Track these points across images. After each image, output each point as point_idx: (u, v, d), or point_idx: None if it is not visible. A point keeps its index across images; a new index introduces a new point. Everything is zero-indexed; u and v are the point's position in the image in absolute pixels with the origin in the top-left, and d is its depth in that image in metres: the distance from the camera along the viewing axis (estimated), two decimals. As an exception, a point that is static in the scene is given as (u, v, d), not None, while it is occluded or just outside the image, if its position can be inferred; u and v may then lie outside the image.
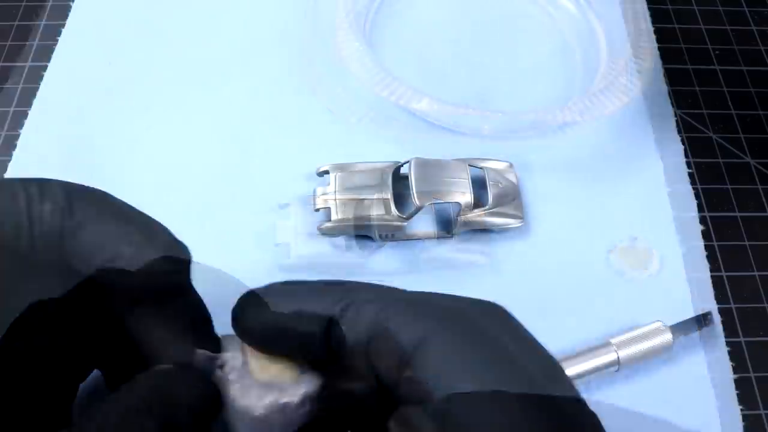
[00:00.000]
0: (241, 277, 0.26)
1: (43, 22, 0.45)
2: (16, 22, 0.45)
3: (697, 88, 0.44)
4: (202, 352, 0.20)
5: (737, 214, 0.39)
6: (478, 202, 0.35)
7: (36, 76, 0.42)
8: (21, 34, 0.45)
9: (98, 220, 0.20)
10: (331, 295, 0.19)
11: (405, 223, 0.34)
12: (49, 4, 0.46)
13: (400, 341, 0.17)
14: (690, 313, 0.33)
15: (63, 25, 0.44)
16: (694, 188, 0.39)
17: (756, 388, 0.33)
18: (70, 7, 0.45)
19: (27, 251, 0.18)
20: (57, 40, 0.43)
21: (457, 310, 0.18)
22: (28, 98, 0.41)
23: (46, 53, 0.43)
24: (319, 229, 0.34)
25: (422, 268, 0.35)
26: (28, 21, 0.45)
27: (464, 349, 0.16)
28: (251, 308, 0.20)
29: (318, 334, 0.18)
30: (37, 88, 0.41)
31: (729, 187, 0.40)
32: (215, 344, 0.21)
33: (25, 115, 0.40)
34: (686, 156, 0.40)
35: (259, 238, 0.36)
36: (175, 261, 0.20)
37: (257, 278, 0.22)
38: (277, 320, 0.19)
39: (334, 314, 0.18)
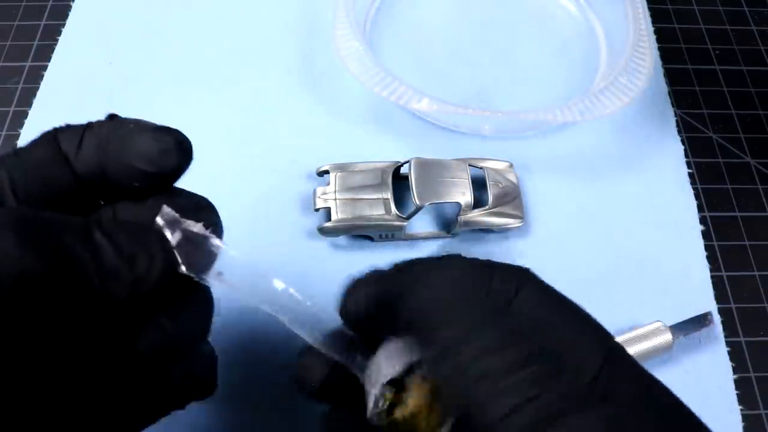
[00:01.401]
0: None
1: (43, 23, 0.45)
2: (16, 22, 0.45)
3: (697, 88, 0.44)
4: (167, 210, 0.19)
5: (737, 214, 0.39)
6: (478, 202, 0.35)
7: (36, 76, 0.42)
8: (21, 34, 0.45)
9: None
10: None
11: (405, 223, 0.34)
12: (49, 4, 0.46)
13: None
14: (690, 313, 0.33)
15: (63, 25, 0.44)
16: (694, 188, 0.39)
17: (756, 388, 0.33)
18: (70, 7, 0.45)
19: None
20: (57, 40, 0.43)
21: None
22: (28, 98, 0.41)
23: (46, 53, 0.43)
24: (319, 229, 0.34)
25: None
26: (28, 21, 0.45)
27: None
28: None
29: None
30: (37, 88, 0.41)
31: (729, 187, 0.40)
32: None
33: (25, 115, 0.40)
34: (686, 156, 0.40)
35: (256, 237, 0.36)
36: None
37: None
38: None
39: None
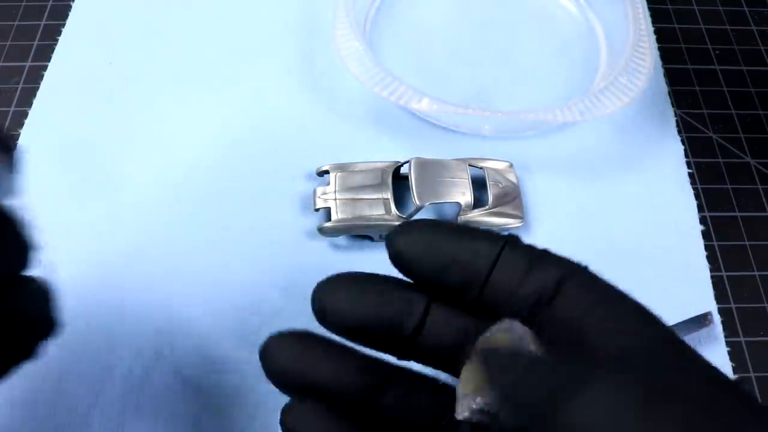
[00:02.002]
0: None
1: (43, 23, 0.45)
2: (16, 22, 0.45)
3: (697, 88, 0.44)
4: None
5: (737, 214, 0.39)
6: (478, 202, 0.35)
7: (36, 76, 0.42)
8: (21, 34, 0.45)
9: None
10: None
11: (405, 223, 0.34)
12: (49, 4, 0.46)
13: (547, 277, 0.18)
14: (690, 313, 0.33)
15: (63, 25, 0.44)
16: (694, 188, 0.39)
17: (756, 388, 0.33)
18: (70, 7, 0.45)
19: None
20: (57, 40, 0.43)
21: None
22: (28, 98, 0.41)
23: (46, 53, 0.43)
24: (319, 229, 0.34)
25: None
26: (28, 21, 0.45)
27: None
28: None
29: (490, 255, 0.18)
30: (37, 88, 0.41)
31: (729, 187, 0.40)
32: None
33: (25, 114, 0.40)
34: (686, 156, 0.40)
35: (256, 236, 0.36)
36: None
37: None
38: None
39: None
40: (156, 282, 0.34)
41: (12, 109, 0.41)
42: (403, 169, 0.36)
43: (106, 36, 0.44)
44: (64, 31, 0.44)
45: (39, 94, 0.41)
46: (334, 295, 0.19)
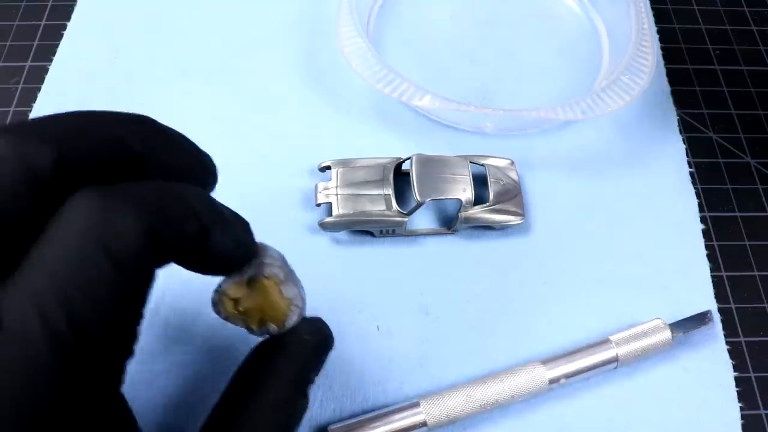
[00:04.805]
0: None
1: (43, 23, 0.45)
2: (16, 22, 0.45)
3: (697, 88, 0.44)
4: None
5: (737, 214, 0.39)
6: (479, 199, 0.35)
7: (36, 76, 0.42)
8: (21, 34, 0.44)
9: None
10: None
11: (406, 219, 0.34)
12: (49, 4, 0.46)
13: None
14: (690, 312, 0.33)
15: (63, 26, 0.44)
16: (694, 188, 0.39)
17: (756, 387, 0.33)
18: (70, 7, 0.45)
19: None
20: (57, 40, 0.43)
21: None
22: (28, 98, 0.41)
23: (46, 53, 0.43)
24: (321, 224, 0.34)
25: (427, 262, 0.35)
26: (28, 21, 0.45)
27: None
28: None
29: None
30: (37, 88, 0.41)
31: (729, 187, 0.40)
32: None
33: (25, 115, 0.40)
34: (686, 156, 0.40)
35: (258, 231, 0.36)
36: None
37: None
38: None
39: None
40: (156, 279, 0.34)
41: (12, 109, 0.41)
42: (405, 166, 0.36)
43: (109, 33, 0.43)
44: (68, 28, 0.44)
45: (43, 89, 0.41)
46: None
